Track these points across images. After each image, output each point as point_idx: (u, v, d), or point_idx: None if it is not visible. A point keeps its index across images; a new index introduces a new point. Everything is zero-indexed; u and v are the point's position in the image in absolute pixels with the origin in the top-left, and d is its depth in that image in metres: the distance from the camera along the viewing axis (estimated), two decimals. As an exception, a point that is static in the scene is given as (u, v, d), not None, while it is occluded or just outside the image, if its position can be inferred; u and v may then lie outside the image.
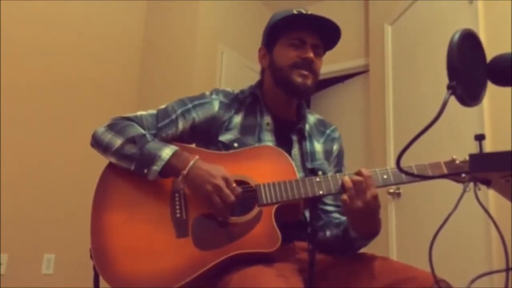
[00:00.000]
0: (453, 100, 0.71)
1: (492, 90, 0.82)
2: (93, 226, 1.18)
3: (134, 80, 3.75)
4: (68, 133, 3.18)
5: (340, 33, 1.33)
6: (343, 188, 1.15)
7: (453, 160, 1.18)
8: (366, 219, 1.15)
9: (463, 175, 1.10)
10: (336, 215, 1.36)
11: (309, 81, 1.30)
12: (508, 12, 2.22)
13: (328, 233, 1.29)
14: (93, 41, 3.44)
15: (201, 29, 3.61)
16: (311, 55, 1.30)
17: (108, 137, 1.25)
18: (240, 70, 3.82)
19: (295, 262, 1.21)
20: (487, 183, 0.74)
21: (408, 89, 2.97)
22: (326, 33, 1.33)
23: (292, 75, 1.30)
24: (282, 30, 1.33)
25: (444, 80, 0.71)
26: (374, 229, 1.18)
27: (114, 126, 1.27)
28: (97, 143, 1.27)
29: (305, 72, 1.30)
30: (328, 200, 1.36)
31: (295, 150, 1.34)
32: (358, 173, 1.14)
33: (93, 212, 1.20)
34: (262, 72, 1.42)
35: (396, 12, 3.13)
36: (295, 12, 1.30)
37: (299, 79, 1.29)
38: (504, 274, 0.69)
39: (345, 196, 1.13)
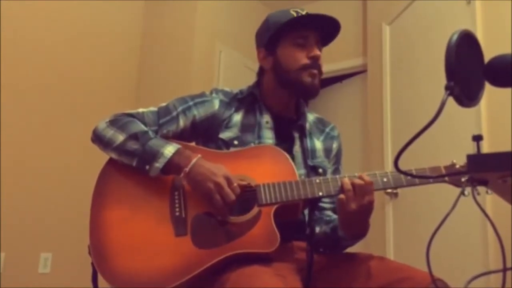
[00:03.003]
0: (451, 100, 0.71)
1: (489, 91, 0.83)
2: (92, 222, 1.18)
3: (132, 78, 3.74)
4: (65, 132, 3.18)
5: (340, 28, 1.34)
6: (341, 189, 1.15)
7: (453, 164, 1.19)
8: (357, 221, 1.17)
9: (462, 179, 1.11)
10: (329, 212, 1.37)
11: (317, 80, 1.31)
12: (505, 12, 2.22)
13: (317, 229, 1.30)
14: (92, 39, 3.43)
15: (199, 28, 3.60)
16: (318, 52, 1.31)
17: (110, 132, 1.25)
18: (238, 69, 3.82)
19: (293, 261, 1.21)
20: (484, 183, 0.74)
21: (406, 89, 2.97)
22: (326, 29, 1.34)
23: (302, 77, 1.30)
24: (283, 31, 1.32)
25: (442, 80, 0.71)
26: (362, 231, 1.20)
27: (116, 122, 1.27)
28: (98, 138, 1.27)
29: (315, 71, 1.30)
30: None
31: (297, 147, 1.35)
32: (360, 178, 1.15)
33: (92, 208, 1.20)
34: (260, 72, 1.42)
35: (394, 12, 3.13)
36: (293, 13, 1.30)
37: (308, 79, 1.30)
38: (500, 274, 0.69)
39: (342, 196, 1.14)
